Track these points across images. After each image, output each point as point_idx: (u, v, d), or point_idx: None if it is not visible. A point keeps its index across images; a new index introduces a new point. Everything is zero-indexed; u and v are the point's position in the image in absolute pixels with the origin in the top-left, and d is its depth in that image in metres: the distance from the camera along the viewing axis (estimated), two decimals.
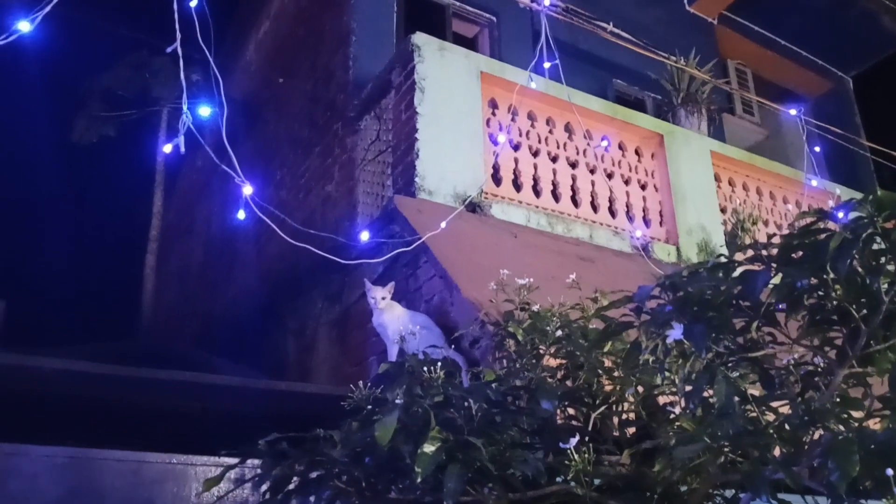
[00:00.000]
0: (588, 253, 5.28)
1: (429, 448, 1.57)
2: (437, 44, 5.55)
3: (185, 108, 3.17)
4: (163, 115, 8.63)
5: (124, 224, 9.58)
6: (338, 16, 7.06)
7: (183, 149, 3.28)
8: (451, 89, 5.39)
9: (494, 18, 7.79)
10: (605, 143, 5.96)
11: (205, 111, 3.70)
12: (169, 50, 3.14)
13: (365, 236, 4.63)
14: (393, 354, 3.90)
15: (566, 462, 1.66)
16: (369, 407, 2.41)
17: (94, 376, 2.65)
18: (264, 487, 1.84)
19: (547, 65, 4.73)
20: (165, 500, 3.13)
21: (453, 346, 3.59)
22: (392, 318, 3.96)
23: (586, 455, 1.68)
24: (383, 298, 3.96)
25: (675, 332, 1.49)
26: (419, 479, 1.55)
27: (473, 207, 5.11)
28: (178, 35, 3.09)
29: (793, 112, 6.62)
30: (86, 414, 3.07)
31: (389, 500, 1.78)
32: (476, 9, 7.73)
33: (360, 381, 3.04)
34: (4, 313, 2.82)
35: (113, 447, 3.12)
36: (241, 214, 3.70)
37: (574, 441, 1.67)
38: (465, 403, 1.84)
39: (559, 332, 2.95)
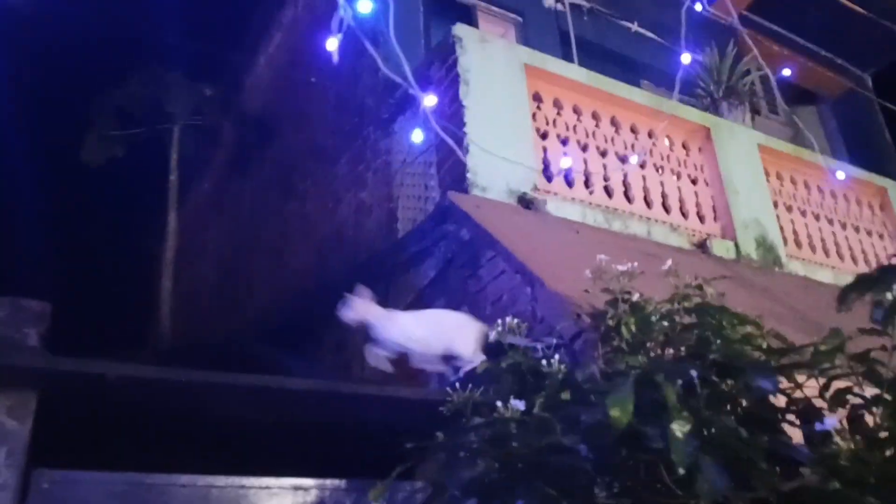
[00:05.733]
0: (651, 249, 4.95)
1: (679, 430, 1.19)
2: (478, 34, 5.27)
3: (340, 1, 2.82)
4: (174, 132, 8.27)
5: (137, 243, 9.24)
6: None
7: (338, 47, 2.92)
8: (495, 82, 5.09)
9: (520, 19, 7.54)
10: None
11: (365, 6, 3.34)
12: None
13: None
14: (427, 363, 3.38)
15: (829, 447, 1.30)
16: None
17: (165, 383, 2.27)
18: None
19: None
20: None
21: (543, 344, 3.23)
22: (397, 327, 3.31)
23: (849, 439, 1.32)
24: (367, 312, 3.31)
25: None
26: (681, 471, 1.17)
27: (528, 204, 4.80)
28: None
29: (867, 80, 6.36)
30: (145, 432, 2.68)
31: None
32: (502, 9, 7.47)
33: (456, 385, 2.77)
34: (50, 318, 2.47)
35: (175, 471, 2.74)
36: (419, 135, 3.38)
37: (834, 421, 1.32)
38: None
39: (687, 320, 2.64)
